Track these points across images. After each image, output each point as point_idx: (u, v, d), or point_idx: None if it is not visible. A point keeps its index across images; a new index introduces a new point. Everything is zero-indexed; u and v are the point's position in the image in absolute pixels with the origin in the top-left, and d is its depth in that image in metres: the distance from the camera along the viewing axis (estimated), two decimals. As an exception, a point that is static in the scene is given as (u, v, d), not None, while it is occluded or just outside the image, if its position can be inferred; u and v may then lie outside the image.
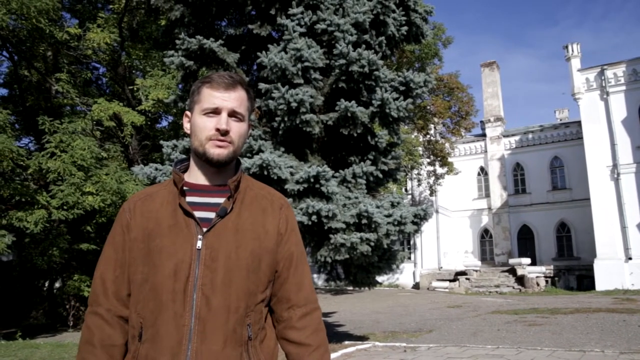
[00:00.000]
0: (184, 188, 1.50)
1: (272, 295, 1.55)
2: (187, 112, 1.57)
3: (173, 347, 1.36)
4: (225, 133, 1.46)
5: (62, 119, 15.18)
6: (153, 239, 1.44)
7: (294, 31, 8.56)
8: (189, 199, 1.49)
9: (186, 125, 1.56)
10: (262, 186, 1.63)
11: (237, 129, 1.50)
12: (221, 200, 1.50)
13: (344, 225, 7.93)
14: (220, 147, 1.46)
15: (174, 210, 1.48)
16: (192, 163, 1.56)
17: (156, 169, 8.82)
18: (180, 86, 10.48)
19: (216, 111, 1.47)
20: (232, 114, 1.49)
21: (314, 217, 7.60)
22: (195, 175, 1.54)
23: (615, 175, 27.00)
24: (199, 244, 1.43)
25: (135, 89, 16.85)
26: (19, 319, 18.48)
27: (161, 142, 9.31)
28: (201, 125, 1.48)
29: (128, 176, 14.47)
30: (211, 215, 1.47)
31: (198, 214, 1.46)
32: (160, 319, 1.39)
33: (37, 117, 14.88)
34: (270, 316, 1.57)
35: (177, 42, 8.76)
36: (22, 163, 14.10)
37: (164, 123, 21.74)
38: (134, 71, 19.26)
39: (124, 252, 1.50)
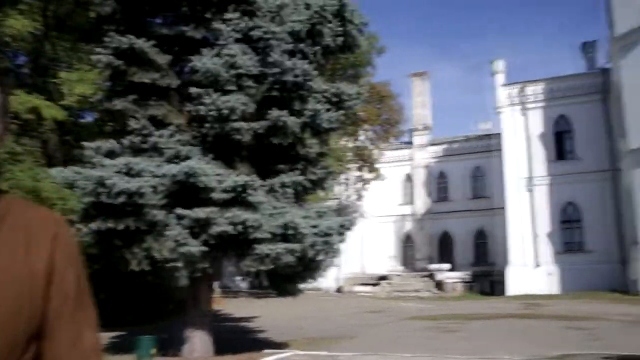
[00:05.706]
0: None
1: (40, 355, 1.06)
2: None
3: None
4: None
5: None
6: None
7: (229, 36, 8.50)
8: None
9: None
10: (29, 209, 1.11)
11: None
12: None
13: (269, 236, 7.95)
14: None
15: None
16: None
17: (76, 173, 8.43)
18: (108, 85, 10.08)
19: None
20: None
21: (239, 227, 7.58)
22: None
23: (530, 187, 28.64)
24: None
25: (59, 82, 16.06)
26: None
27: (83, 143, 8.93)
28: None
29: (46, 174, 13.78)
30: None
31: None
32: None
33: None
34: None
35: (107, 40, 8.47)
36: None
37: (90, 118, 20.84)
38: (58, 63, 18.35)
39: None
